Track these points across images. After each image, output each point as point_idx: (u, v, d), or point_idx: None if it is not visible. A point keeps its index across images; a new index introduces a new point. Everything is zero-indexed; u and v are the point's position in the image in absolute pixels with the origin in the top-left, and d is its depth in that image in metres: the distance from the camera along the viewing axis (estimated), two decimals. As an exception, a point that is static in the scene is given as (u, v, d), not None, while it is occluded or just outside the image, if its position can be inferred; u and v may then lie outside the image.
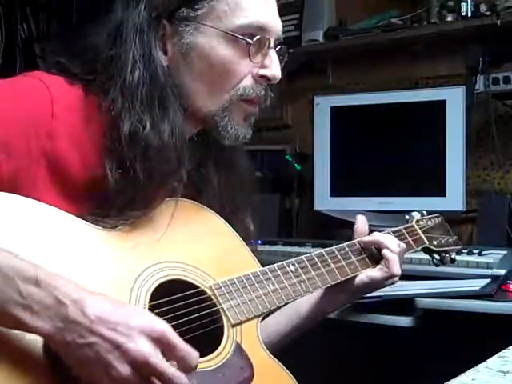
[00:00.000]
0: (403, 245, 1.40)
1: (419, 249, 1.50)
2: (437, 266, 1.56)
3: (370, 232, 1.41)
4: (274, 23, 1.15)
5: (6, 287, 0.87)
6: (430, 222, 1.55)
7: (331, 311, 1.42)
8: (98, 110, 1.08)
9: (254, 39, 1.11)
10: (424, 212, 1.57)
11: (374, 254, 1.37)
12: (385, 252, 1.35)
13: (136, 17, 1.10)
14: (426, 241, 1.50)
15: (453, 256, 1.56)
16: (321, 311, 1.37)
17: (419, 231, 1.50)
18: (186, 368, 0.90)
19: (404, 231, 1.47)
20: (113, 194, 1.05)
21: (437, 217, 1.59)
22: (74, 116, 1.07)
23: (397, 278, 1.36)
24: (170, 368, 0.88)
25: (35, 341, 0.90)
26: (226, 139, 1.15)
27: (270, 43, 1.14)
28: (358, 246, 1.36)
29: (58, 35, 3.08)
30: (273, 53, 1.14)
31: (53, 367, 0.91)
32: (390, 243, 1.36)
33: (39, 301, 0.87)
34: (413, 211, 1.57)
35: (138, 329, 0.88)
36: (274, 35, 1.15)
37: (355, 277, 1.33)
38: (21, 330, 0.88)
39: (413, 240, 1.47)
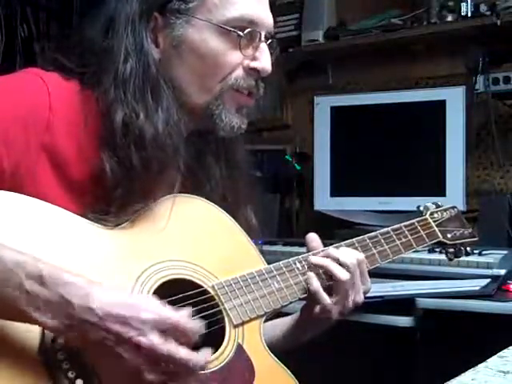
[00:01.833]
0: (360, 257, 1.22)
1: (433, 242, 1.41)
2: (450, 259, 1.48)
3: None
4: (265, 16, 1.16)
5: (12, 284, 0.87)
6: (445, 214, 1.46)
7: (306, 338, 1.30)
8: (94, 104, 1.09)
9: (245, 32, 1.12)
10: (439, 203, 1.49)
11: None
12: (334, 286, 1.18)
13: (128, 8, 1.11)
14: (439, 235, 1.41)
15: (468, 249, 1.48)
16: (295, 338, 1.29)
17: (433, 224, 1.41)
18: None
19: (417, 224, 1.38)
20: (111, 186, 1.05)
21: (452, 208, 1.50)
22: (71, 110, 1.07)
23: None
24: (182, 351, 0.91)
25: (32, 337, 0.91)
26: (222, 130, 1.15)
27: (260, 36, 1.15)
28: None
29: (58, 34, 3.08)
30: (264, 46, 1.15)
31: (47, 365, 0.91)
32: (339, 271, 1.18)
33: (44, 299, 0.87)
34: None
35: (149, 322, 0.89)
36: (265, 29, 1.15)
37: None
38: (30, 323, 0.89)
39: (426, 234, 1.38)
